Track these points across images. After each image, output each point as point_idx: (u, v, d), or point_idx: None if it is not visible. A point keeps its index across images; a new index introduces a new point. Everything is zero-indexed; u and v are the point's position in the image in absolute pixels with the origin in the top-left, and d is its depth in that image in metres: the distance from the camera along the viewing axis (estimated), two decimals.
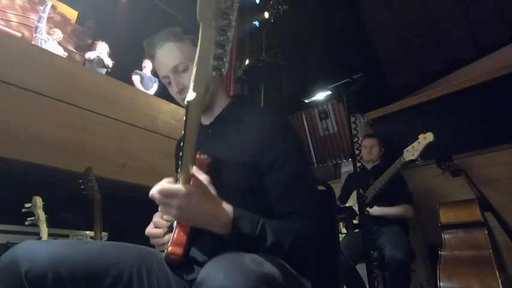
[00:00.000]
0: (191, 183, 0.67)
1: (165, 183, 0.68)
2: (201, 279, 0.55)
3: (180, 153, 0.63)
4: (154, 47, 0.93)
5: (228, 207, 0.73)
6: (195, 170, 0.69)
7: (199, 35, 0.49)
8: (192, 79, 0.54)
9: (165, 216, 0.87)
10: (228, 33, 0.49)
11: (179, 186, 0.66)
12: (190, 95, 0.54)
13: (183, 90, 0.91)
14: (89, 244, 0.81)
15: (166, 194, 0.66)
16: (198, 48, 0.50)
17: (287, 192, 0.81)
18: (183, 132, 0.60)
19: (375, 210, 2.13)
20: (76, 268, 0.67)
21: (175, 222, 0.81)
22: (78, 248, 0.73)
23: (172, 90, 0.94)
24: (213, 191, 0.73)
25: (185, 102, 0.55)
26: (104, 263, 0.71)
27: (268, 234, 0.74)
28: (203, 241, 0.81)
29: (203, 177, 0.72)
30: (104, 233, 1.72)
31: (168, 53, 0.91)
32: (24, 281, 0.62)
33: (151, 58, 0.96)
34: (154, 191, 0.68)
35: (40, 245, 0.69)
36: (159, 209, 0.71)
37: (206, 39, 0.49)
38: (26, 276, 0.62)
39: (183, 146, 0.61)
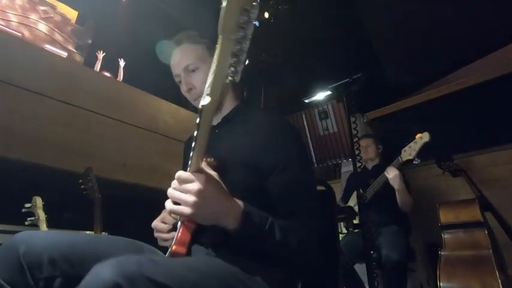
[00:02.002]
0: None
1: (181, 172, 0.69)
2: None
3: (190, 152, 0.67)
4: (172, 47, 1.00)
5: (238, 200, 0.74)
6: (204, 166, 0.71)
7: (218, 45, 0.53)
8: (208, 85, 0.57)
9: (174, 214, 0.90)
10: (243, 45, 0.53)
11: (197, 173, 0.68)
12: (205, 100, 0.58)
13: (191, 90, 0.98)
14: (84, 235, 0.85)
15: (184, 179, 0.68)
16: (217, 57, 0.54)
17: (288, 193, 0.83)
18: (195, 133, 0.64)
19: (391, 173, 2.13)
20: (70, 253, 0.73)
21: (179, 222, 0.82)
22: (72, 236, 0.79)
23: (182, 88, 1.01)
24: (223, 185, 0.74)
25: (200, 106, 0.59)
26: (96, 250, 0.76)
27: (276, 230, 0.75)
28: (205, 239, 0.83)
29: (213, 173, 0.73)
30: (103, 233, 1.72)
31: (182, 53, 0.98)
32: (22, 261, 0.68)
33: (167, 60, 1.02)
34: (172, 182, 0.70)
35: (37, 233, 0.77)
36: (167, 205, 0.72)
37: (224, 50, 0.53)
38: (24, 257, 0.69)
39: (194, 144, 0.65)
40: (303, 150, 0.94)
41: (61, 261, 0.70)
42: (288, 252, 0.76)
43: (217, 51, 0.54)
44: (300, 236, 0.77)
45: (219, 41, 0.53)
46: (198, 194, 0.66)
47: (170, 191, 0.70)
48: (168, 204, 0.72)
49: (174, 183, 0.70)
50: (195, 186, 0.66)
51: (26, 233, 0.74)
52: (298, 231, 0.78)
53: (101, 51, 4.07)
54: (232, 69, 0.55)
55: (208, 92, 0.57)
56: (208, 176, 0.69)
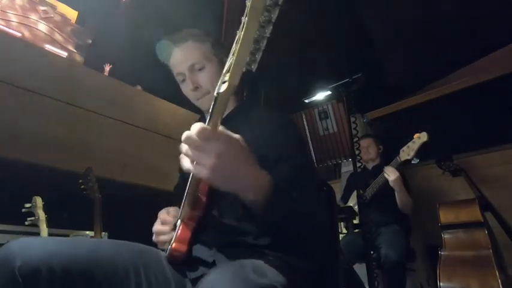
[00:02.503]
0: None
1: (203, 125, 0.55)
2: None
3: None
4: (174, 44, 0.95)
5: (263, 171, 0.66)
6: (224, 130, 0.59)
7: (243, 28, 0.48)
8: (226, 71, 0.52)
9: (172, 213, 0.91)
10: (266, 30, 0.50)
11: (220, 132, 0.56)
12: (222, 87, 0.52)
13: (197, 89, 0.95)
14: (84, 241, 0.80)
15: (206, 136, 0.55)
16: (241, 41, 0.48)
17: (290, 179, 0.81)
18: (207, 119, 0.58)
19: (391, 175, 2.11)
20: (70, 262, 0.67)
21: (179, 220, 0.81)
22: (72, 243, 0.73)
23: (186, 87, 0.97)
24: (248, 151, 0.63)
25: (215, 93, 0.53)
26: (98, 258, 0.71)
27: (305, 201, 0.76)
28: (206, 238, 0.81)
29: (237, 136, 0.61)
30: (104, 233, 1.72)
31: (188, 51, 0.94)
32: (18, 276, 0.61)
33: (167, 56, 0.98)
34: (191, 132, 0.56)
35: (34, 241, 0.69)
36: (184, 164, 0.61)
37: (248, 33, 0.48)
38: (20, 271, 0.61)
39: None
40: (303, 144, 0.97)
41: (60, 271, 0.65)
42: (316, 213, 0.77)
43: (241, 34, 0.48)
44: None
45: (244, 23, 0.47)
46: (218, 156, 0.55)
47: (185, 149, 0.58)
48: (185, 162, 0.59)
49: (191, 137, 0.56)
50: (215, 147, 0.55)
51: (20, 242, 0.66)
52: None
53: (108, 64, 4.04)
54: (251, 57, 0.52)
55: (225, 79, 0.51)
56: (231, 137, 0.58)
